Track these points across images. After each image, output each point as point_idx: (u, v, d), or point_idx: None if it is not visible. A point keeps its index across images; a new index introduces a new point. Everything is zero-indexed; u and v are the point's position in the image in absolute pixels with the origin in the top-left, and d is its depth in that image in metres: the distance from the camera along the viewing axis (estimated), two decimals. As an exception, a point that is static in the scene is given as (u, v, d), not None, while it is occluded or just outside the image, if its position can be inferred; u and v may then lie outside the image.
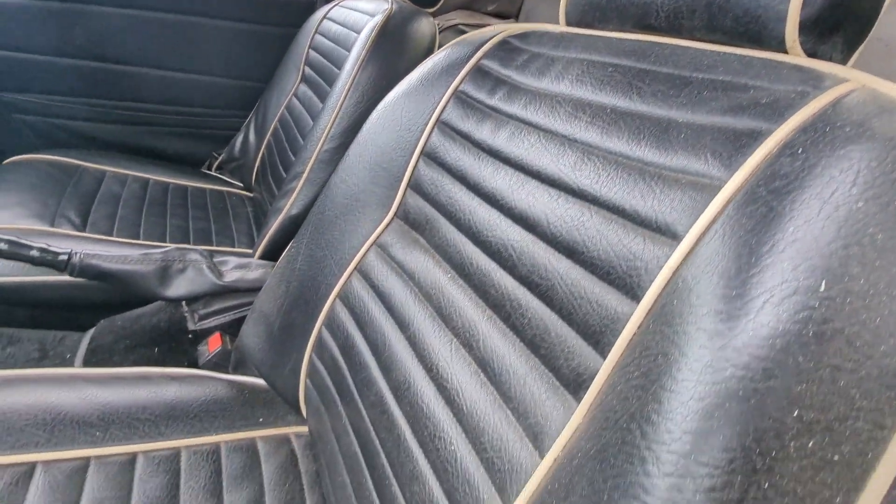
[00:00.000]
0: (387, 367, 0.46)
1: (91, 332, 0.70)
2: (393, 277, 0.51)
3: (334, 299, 0.56)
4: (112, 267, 0.63)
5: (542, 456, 0.29)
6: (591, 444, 0.26)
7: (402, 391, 0.43)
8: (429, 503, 0.35)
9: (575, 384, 0.30)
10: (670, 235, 0.28)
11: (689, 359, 0.23)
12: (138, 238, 0.91)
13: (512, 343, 0.36)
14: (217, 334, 0.66)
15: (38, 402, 0.50)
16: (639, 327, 0.27)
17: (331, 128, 0.79)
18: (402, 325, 0.47)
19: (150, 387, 0.57)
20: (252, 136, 1.24)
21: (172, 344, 0.67)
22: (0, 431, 0.47)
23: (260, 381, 0.64)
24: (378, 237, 0.55)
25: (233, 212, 1.15)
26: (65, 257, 0.60)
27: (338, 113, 0.78)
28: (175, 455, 0.52)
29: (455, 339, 0.41)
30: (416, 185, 0.52)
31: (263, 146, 1.19)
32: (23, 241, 0.58)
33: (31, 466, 0.46)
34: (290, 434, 0.59)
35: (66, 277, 0.74)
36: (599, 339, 0.29)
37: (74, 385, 0.54)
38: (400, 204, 0.54)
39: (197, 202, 1.12)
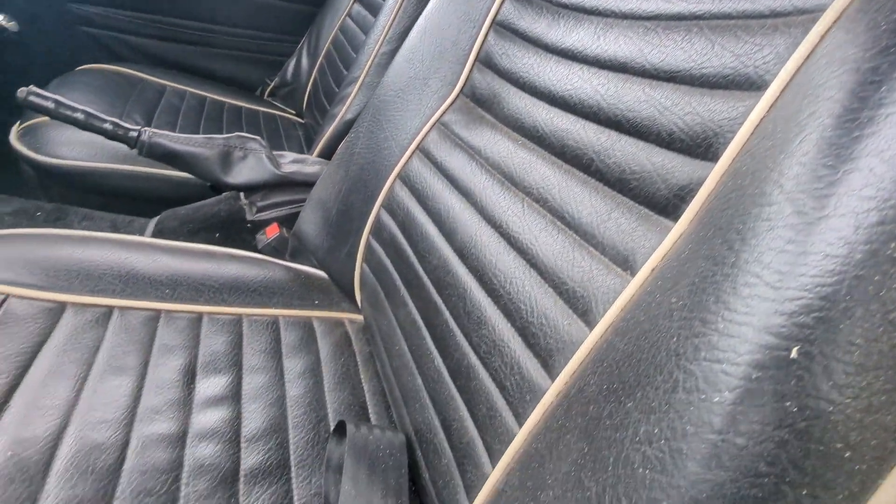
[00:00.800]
0: (450, 232, 0.44)
1: (157, 218, 0.71)
2: (457, 153, 0.49)
3: (394, 180, 0.54)
4: (177, 147, 0.63)
5: (632, 275, 0.27)
6: (695, 249, 0.24)
7: (467, 250, 0.41)
8: (499, 342, 0.34)
9: (673, 204, 0.27)
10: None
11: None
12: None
13: (594, 188, 0.34)
14: (275, 224, 0.67)
15: (114, 258, 0.51)
16: (756, 126, 0.24)
17: (389, 29, 0.76)
18: (467, 193, 0.45)
19: (214, 262, 0.57)
20: (305, 61, 1.22)
21: (232, 232, 0.68)
22: (82, 277, 0.48)
23: (315, 270, 0.64)
24: (441, 115, 0.52)
25: (285, 134, 1.14)
26: (134, 134, 0.61)
27: (397, 13, 0.75)
28: (237, 320, 0.52)
29: (527, 198, 0.39)
30: (485, 59, 0.49)
31: (316, 69, 1.17)
32: (98, 115, 0.59)
33: (109, 310, 0.47)
34: (344, 319, 0.59)
35: (133, 167, 0.76)
36: (709, 147, 0.26)
37: (145, 250, 0.55)
38: (467, 80, 0.51)
39: (251, 122, 1.13)
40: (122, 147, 0.77)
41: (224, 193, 0.74)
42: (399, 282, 0.50)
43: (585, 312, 0.29)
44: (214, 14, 1.22)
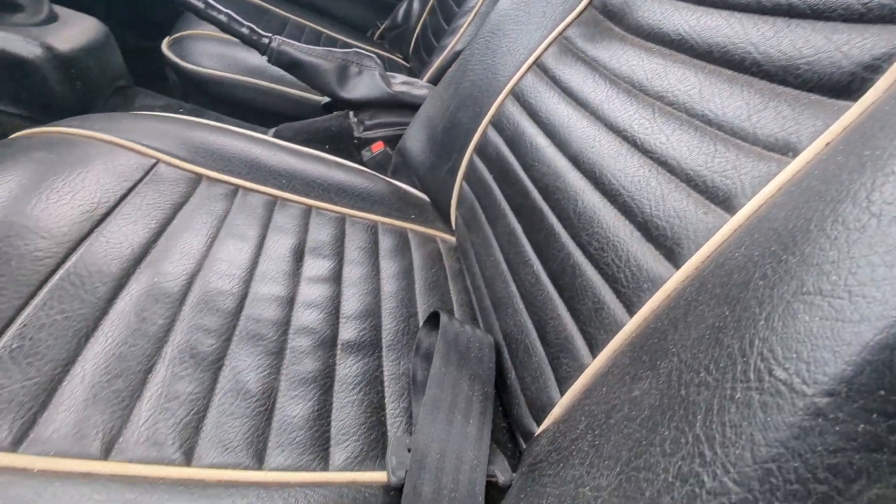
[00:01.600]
0: (564, 142, 0.42)
1: (273, 129, 0.75)
2: (578, 66, 0.46)
3: (506, 96, 0.52)
4: (301, 56, 0.65)
5: (794, 157, 0.24)
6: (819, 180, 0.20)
7: (583, 156, 0.39)
8: (614, 238, 0.32)
9: (858, 80, 0.23)
10: None
11: None
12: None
13: (745, 83, 0.30)
14: (380, 142, 0.68)
15: (242, 146, 0.55)
16: None
17: (511, -42, 0.73)
18: (585, 104, 0.42)
19: (324, 165, 0.60)
20: (416, 2, 1.22)
21: (340, 146, 0.70)
22: (216, 157, 0.52)
23: (413, 189, 0.64)
24: (564, 29, 0.49)
25: (390, 73, 1.16)
26: (266, 40, 0.64)
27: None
28: (341, 218, 0.54)
29: (658, 102, 0.36)
30: (622, -35, 0.45)
31: (426, 11, 1.16)
32: (238, 19, 0.62)
33: (235, 188, 0.51)
34: (437, 236, 0.60)
35: (258, 81, 0.80)
36: None
37: (268, 145, 0.58)
38: (598, -10, 0.47)
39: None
40: (252, 62, 0.81)
41: (335, 112, 0.77)
42: (500, 196, 0.49)
43: (727, 199, 0.26)
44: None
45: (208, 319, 0.36)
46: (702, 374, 0.19)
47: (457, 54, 0.78)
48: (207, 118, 0.74)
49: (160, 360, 0.32)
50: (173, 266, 0.39)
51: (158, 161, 0.48)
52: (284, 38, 0.65)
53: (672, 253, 0.27)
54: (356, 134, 0.70)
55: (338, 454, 0.32)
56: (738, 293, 0.20)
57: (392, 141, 0.70)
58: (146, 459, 0.27)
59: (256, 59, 0.82)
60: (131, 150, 0.47)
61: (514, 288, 0.42)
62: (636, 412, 0.21)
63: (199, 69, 0.78)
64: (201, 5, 0.61)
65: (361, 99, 0.66)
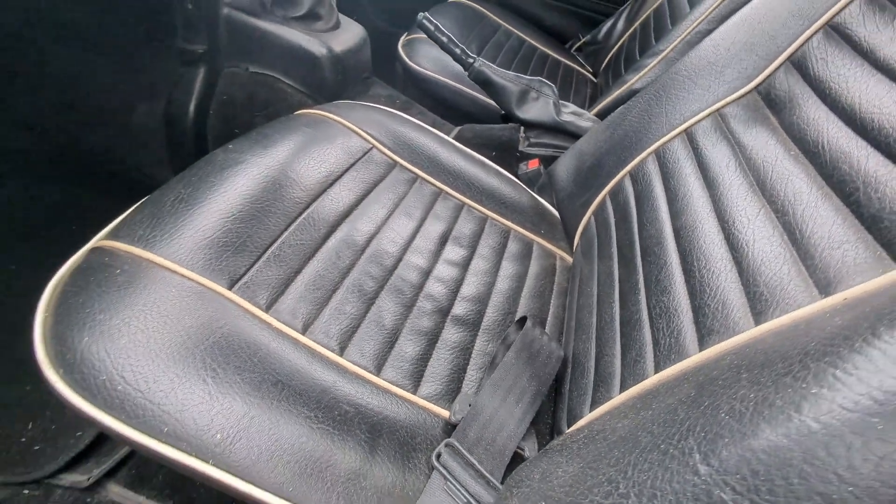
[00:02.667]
0: (678, 213, 0.46)
1: (460, 127, 0.90)
2: (721, 146, 0.48)
3: (649, 153, 0.57)
4: (494, 77, 0.77)
5: (823, 297, 0.28)
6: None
7: (685, 232, 0.44)
8: (672, 311, 0.38)
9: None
10: None
11: None
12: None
13: (843, 216, 0.32)
14: (537, 159, 0.77)
15: (428, 144, 0.70)
16: None
17: (713, 10, 0.72)
18: (712, 185, 0.46)
19: (484, 171, 0.72)
20: (620, 24, 1.23)
21: (504, 154, 0.81)
22: (409, 149, 0.68)
23: (551, 207, 0.73)
24: (723, 106, 0.51)
25: (575, 88, 1.21)
26: (471, 60, 0.77)
27: (730, -6, 0.70)
28: (484, 218, 0.66)
29: (767, 206, 0.39)
30: (798, 60, 0.46)
31: (627, 34, 1.17)
32: (455, 41, 0.77)
33: (416, 177, 0.66)
34: (558, 254, 0.68)
35: (459, 86, 0.95)
36: None
37: (447, 146, 0.72)
38: (766, 78, 0.48)
39: (552, 70, 1.22)
40: (458, 70, 0.96)
41: (510, 123, 0.88)
42: (614, 239, 0.55)
43: (760, 313, 0.30)
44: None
45: (373, 269, 0.52)
46: (666, 433, 0.26)
47: (633, 92, 0.81)
48: (414, 110, 0.92)
49: (341, 287, 0.49)
50: (363, 226, 0.56)
51: (373, 147, 0.65)
52: (485, 61, 0.78)
53: (703, 339, 0.33)
54: (520, 147, 0.80)
55: (424, 387, 0.46)
56: (706, 384, 0.26)
57: (547, 161, 0.78)
58: (320, 343, 0.44)
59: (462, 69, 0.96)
60: (359, 135, 0.65)
61: (594, 320, 0.49)
62: (612, 438, 0.29)
63: (419, 69, 0.96)
64: (432, 28, 0.76)
65: (532, 120, 0.76)
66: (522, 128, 0.83)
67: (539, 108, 0.76)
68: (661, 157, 0.55)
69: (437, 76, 0.94)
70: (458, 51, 0.77)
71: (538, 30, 1.33)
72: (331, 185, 0.57)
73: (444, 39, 0.76)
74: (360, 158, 0.63)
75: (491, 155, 0.82)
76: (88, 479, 0.48)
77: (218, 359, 0.38)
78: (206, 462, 0.34)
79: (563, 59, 1.27)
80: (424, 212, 0.63)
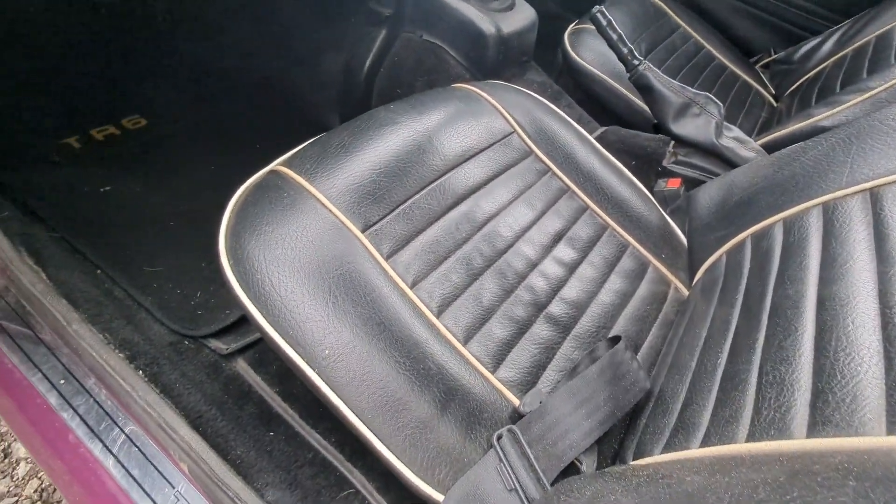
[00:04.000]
0: (830, 280, 0.40)
1: (605, 128, 0.85)
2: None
3: (815, 205, 0.49)
4: (656, 84, 0.71)
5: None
6: None
7: (831, 303, 0.37)
8: (787, 385, 0.33)
9: None
10: None
11: None
12: (668, 86, 0.98)
13: None
14: (679, 179, 0.70)
15: (568, 140, 0.68)
16: None
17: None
18: (885, 258, 0.38)
19: (618, 179, 0.67)
20: (828, 46, 1.03)
21: (644, 166, 0.76)
22: (547, 141, 0.66)
23: (679, 233, 0.67)
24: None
25: (747, 109, 1.06)
26: (636, 62, 0.72)
27: None
28: (604, 227, 0.63)
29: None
30: None
31: (832, 60, 0.98)
32: (625, 40, 0.72)
33: (547, 170, 0.65)
34: (673, 283, 0.63)
35: (616, 84, 0.89)
36: None
37: (586, 146, 0.69)
38: None
39: (725, 85, 1.08)
40: (619, 69, 0.90)
41: (659, 135, 0.81)
42: (742, 286, 0.49)
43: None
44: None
45: (485, 247, 0.54)
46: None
47: (817, 130, 0.69)
48: (563, 102, 0.89)
49: (452, 256, 0.52)
50: (486, 205, 0.57)
51: (514, 132, 0.65)
52: (651, 66, 0.72)
53: (813, 427, 0.29)
54: (664, 163, 0.74)
55: (503, 371, 0.47)
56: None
57: (690, 183, 0.71)
58: (423, 301, 0.47)
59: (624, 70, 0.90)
60: (504, 117, 0.66)
61: (693, 363, 0.45)
62: (678, 489, 0.28)
63: (579, 61, 0.92)
64: (604, 23, 0.72)
65: (686, 137, 0.69)
66: (672, 142, 0.76)
67: (698, 125, 0.68)
68: (829, 211, 0.47)
69: (595, 71, 0.89)
70: (625, 50, 0.72)
71: (722, 37, 1.17)
72: (466, 160, 0.59)
73: (614, 37, 0.72)
74: (499, 140, 0.63)
75: (630, 163, 0.77)
76: (227, 349, 0.59)
77: (341, 288, 0.43)
78: (313, 370, 0.39)
79: (741, 74, 1.11)
80: (546, 205, 0.62)
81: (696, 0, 1.21)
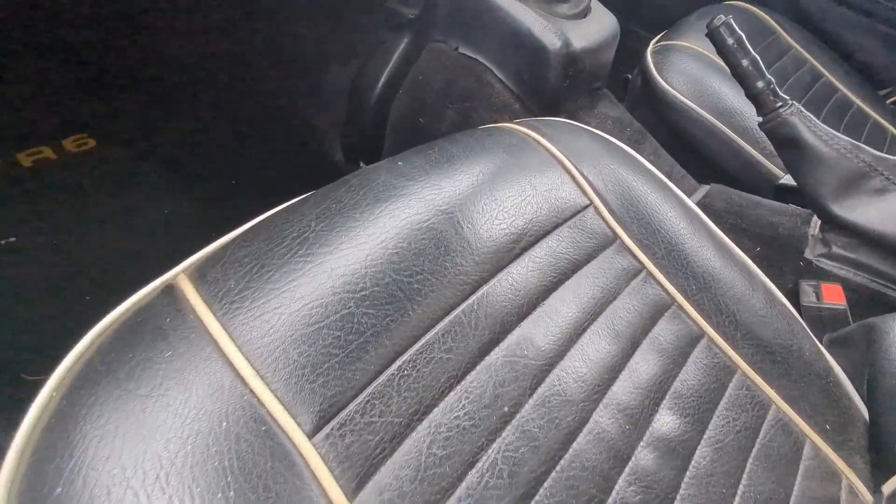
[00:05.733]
0: None
1: (707, 187, 0.60)
2: None
3: None
4: (808, 138, 0.46)
5: None
6: None
7: None
8: None
9: None
10: None
11: None
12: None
13: None
14: (839, 288, 0.45)
15: (669, 217, 0.43)
16: None
17: None
18: None
19: (747, 285, 0.43)
20: None
21: (775, 256, 0.50)
22: (640, 220, 0.42)
23: (853, 394, 0.41)
24: None
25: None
26: (778, 104, 0.47)
27: None
28: (732, 370, 0.39)
29: None
30: None
31: None
32: (762, 69, 0.47)
33: (640, 269, 0.41)
34: (846, 479, 0.37)
35: (717, 123, 0.64)
36: None
37: (695, 226, 0.44)
38: None
39: (854, 126, 0.81)
40: (725, 102, 0.65)
41: (792, 205, 0.55)
42: None
43: None
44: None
45: (542, 427, 0.30)
46: None
47: None
48: (646, 147, 0.64)
49: (484, 455, 0.28)
50: (542, 339, 0.34)
51: (591, 204, 0.41)
52: (802, 109, 0.47)
53: None
54: (809, 255, 0.48)
55: None
56: None
57: (861, 294, 0.45)
58: None
59: (732, 100, 0.64)
60: (576, 181, 0.42)
61: None
62: None
63: (666, 87, 0.67)
64: (731, 42, 0.47)
65: (859, 226, 0.44)
66: (818, 221, 0.51)
67: (880, 207, 0.43)
68: None
69: (692, 105, 0.64)
70: (760, 85, 0.47)
71: (844, 64, 0.90)
72: (516, 257, 0.36)
73: (745, 63, 0.47)
74: (567, 220, 0.40)
75: (753, 249, 0.51)
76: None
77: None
78: None
79: (871, 113, 0.84)
80: (638, 332, 0.37)
81: (811, 16, 0.93)
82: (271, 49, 0.71)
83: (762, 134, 0.50)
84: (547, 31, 0.52)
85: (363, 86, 0.58)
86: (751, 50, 0.47)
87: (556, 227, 0.39)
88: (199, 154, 0.68)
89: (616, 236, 0.41)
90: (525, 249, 0.37)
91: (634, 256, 0.41)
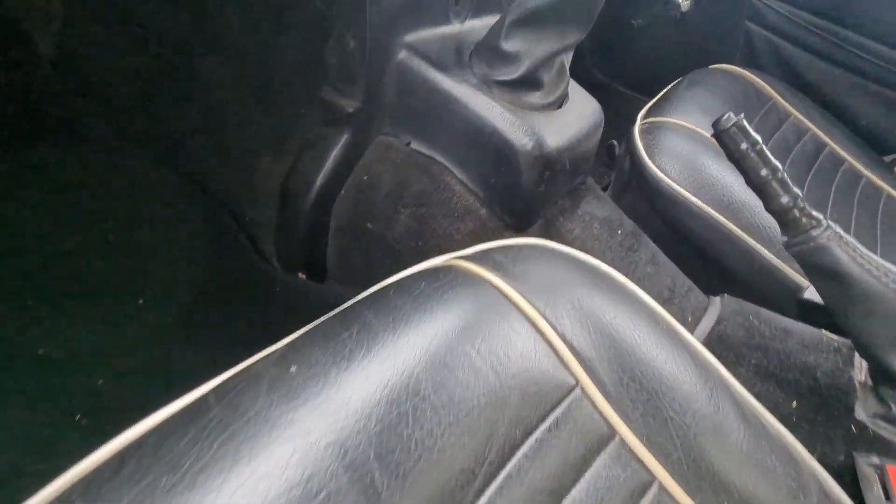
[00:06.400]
0: None
1: (719, 300, 0.49)
2: None
3: None
4: (851, 269, 0.36)
5: None
6: None
7: None
8: None
9: None
10: None
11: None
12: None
13: None
14: (910, 469, 0.33)
15: (670, 375, 0.32)
16: None
17: None
18: None
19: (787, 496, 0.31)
20: None
21: (817, 418, 0.39)
22: (644, 395, 0.31)
23: None
24: None
25: (901, 237, 0.69)
26: (813, 225, 0.37)
27: None
28: None
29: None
30: None
31: None
32: (787, 180, 0.37)
33: (652, 481, 0.29)
34: None
35: (727, 222, 0.54)
36: None
37: (702, 371, 0.33)
38: None
39: (866, 202, 0.72)
40: (731, 195, 0.55)
41: (825, 331, 0.45)
42: None
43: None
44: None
45: None
46: None
47: None
48: (642, 255, 0.53)
49: None
50: None
51: (577, 384, 0.30)
52: (839, 231, 0.37)
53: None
54: (861, 413, 0.37)
55: None
56: None
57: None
58: None
59: (737, 191, 0.55)
60: (556, 352, 0.31)
61: None
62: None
63: (660, 175, 0.57)
64: (743, 145, 0.38)
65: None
66: (864, 361, 0.40)
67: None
68: None
69: (691, 198, 0.55)
70: (785, 200, 0.37)
71: (845, 129, 0.83)
72: (480, 491, 0.24)
73: (765, 173, 0.38)
74: (549, 412, 0.28)
75: (787, 404, 0.40)
76: None
77: None
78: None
79: (884, 185, 0.76)
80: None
81: (807, 79, 0.87)
82: (206, 128, 0.60)
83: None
84: (515, 129, 0.42)
85: (295, 188, 0.48)
86: (771, 157, 0.38)
87: (537, 425, 0.28)
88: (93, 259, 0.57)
89: (614, 431, 0.30)
90: (495, 474, 0.25)
91: (637, 461, 0.29)
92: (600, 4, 0.41)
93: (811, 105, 0.82)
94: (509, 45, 0.42)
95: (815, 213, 0.37)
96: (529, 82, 0.44)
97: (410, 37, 0.44)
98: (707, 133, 0.63)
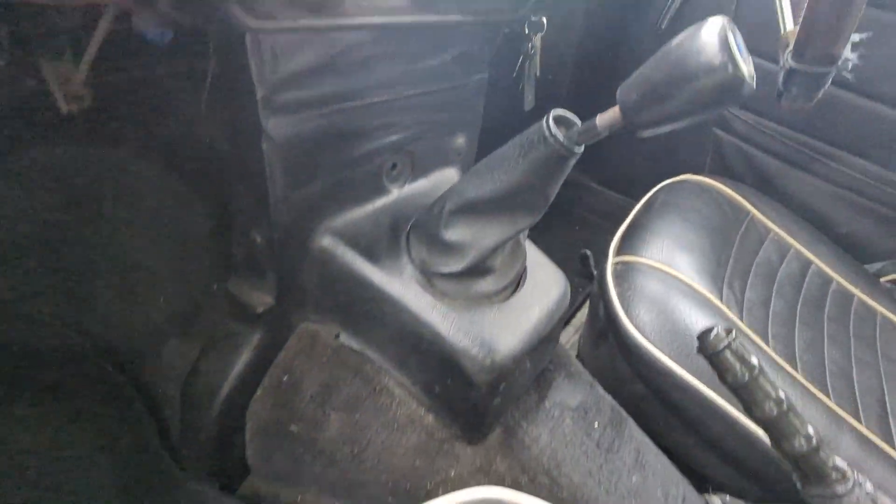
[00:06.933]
0: None
1: (716, 500, 0.40)
2: None
3: None
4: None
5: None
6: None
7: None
8: None
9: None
10: None
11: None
12: (794, 364, 0.55)
13: None
14: None
15: None
16: None
17: None
18: None
19: None
20: None
21: None
22: None
23: None
24: None
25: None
26: (836, 476, 0.29)
27: None
28: None
29: None
30: None
31: None
32: (784, 401, 0.29)
33: None
34: None
35: (711, 394, 0.46)
36: None
37: None
38: None
39: (862, 327, 0.66)
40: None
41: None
42: None
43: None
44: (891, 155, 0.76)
45: None
46: None
47: None
48: (625, 446, 0.44)
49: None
50: None
51: None
52: (870, 489, 0.29)
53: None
54: None
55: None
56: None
57: None
58: None
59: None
60: None
61: None
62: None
63: (635, 334, 0.50)
64: (741, 372, 0.30)
65: None
66: None
67: None
68: None
69: (675, 368, 0.47)
70: (800, 444, 0.29)
71: (826, 239, 0.78)
72: None
73: (769, 407, 0.30)
74: None
75: None
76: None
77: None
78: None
79: (876, 305, 0.70)
80: None
81: (781, 188, 0.84)
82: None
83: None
84: (461, 336, 0.34)
85: (197, 393, 0.39)
86: (775, 386, 0.30)
87: None
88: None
89: None
90: None
91: None
92: (556, 187, 0.34)
93: (788, 216, 0.77)
94: (451, 235, 0.35)
95: (839, 461, 0.30)
96: (478, 271, 0.36)
97: (335, 220, 0.37)
98: (684, 278, 0.57)
